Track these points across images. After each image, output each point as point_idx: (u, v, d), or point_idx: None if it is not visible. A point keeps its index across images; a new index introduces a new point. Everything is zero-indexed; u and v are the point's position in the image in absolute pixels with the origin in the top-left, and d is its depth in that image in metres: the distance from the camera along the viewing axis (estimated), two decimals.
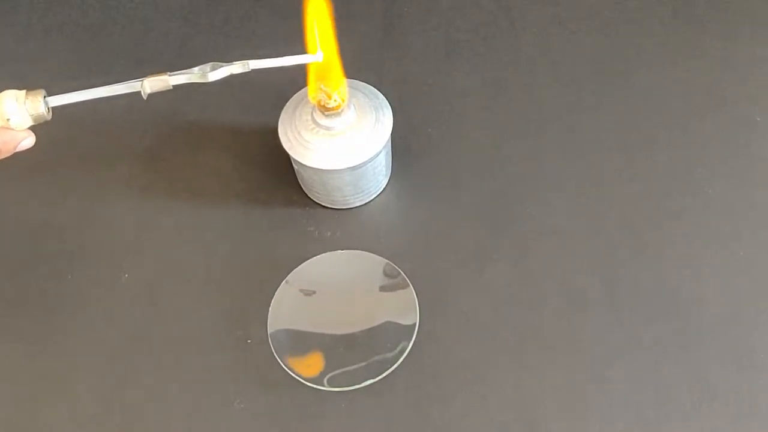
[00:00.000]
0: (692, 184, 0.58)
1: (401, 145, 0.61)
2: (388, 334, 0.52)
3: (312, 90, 0.51)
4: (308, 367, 0.50)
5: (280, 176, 0.59)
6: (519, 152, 0.61)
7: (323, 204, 0.58)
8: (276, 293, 0.53)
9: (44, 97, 0.44)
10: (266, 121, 0.62)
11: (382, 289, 0.54)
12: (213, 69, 0.45)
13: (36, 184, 0.61)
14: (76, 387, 0.51)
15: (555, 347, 0.51)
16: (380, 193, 0.59)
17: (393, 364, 0.50)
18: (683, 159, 0.60)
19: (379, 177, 0.58)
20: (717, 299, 0.53)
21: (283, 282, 0.54)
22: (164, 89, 0.44)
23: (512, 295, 0.53)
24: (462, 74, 0.66)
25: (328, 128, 0.53)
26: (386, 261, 0.55)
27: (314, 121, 0.53)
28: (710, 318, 0.52)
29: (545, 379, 0.50)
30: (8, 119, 0.43)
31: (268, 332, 0.52)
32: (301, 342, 0.51)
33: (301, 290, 0.54)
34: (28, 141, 0.45)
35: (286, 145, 0.54)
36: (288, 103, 0.55)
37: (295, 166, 0.56)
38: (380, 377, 0.50)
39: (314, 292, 0.54)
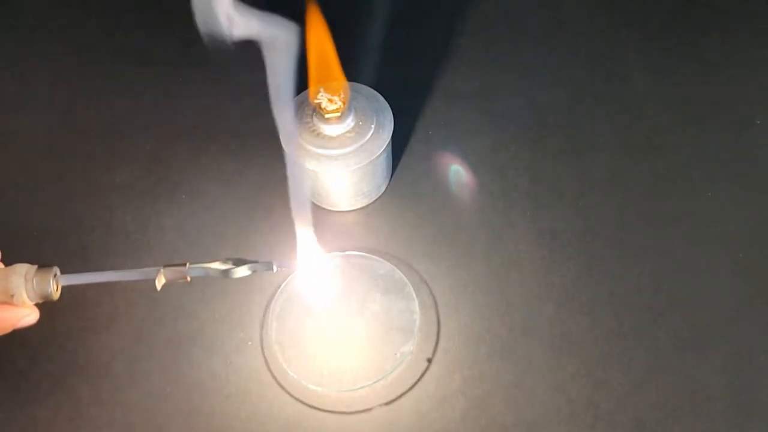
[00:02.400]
0: (692, 187, 0.58)
1: (402, 147, 0.62)
2: (389, 336, 0.52)
3: (312, 93, 0.51)
4: (309, 368, 0.50)
5: (282, 179, 0.59)
6: (518, 155, 0.61)
7: (324, 206, 0.59)
8: (276, 295, 0.54)
9: (55, 275, 0.42)
10: (267, 124, 0.62)
11: (383, 291, 0.54)
12: (235, 264, 0.43)
13: (38, 187, 0.61)
14: (76, 388, 0.51)
15: (554, 349, 0.51)
16: (381, 196, 0.59)
17: (394, 366, 0.50)
18: (683, 161, 0.60)
19: (379, 179, 0.58)
20: (716, 301, 0.53)
21: (284, 284, 0.54)
22: (180, 281, 0.42)
23: (511, 297, 0.53)
24: (462, 77, 0.66)
25: (328, 131, 0.53)
26: (387, 263, 0.55)
27: (315, 124, 0.53)
28: (709, 320, 0.52)
29: (545, 380, 0.50)
30: (12, 295, 0.41)
31: (269, 334, 0.52)
32: (301, 344, 0.52)
33: (302, 293, 0.54)
34: (30, 318, 0.42)
35: (288, 149, 0.54)
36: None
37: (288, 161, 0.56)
38: (381, 379, 0.50)
39: (315, 295, 0.54)
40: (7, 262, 0.46)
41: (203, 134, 0.64)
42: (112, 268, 0.55)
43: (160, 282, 0.42)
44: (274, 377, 0.50)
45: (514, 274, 0.54)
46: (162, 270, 0.41)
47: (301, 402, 0.49)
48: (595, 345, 0.51)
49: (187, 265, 0.42)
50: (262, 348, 0.52)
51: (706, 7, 0.71)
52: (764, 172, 0.59)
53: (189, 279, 0.42)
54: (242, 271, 0.43)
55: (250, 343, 0.52)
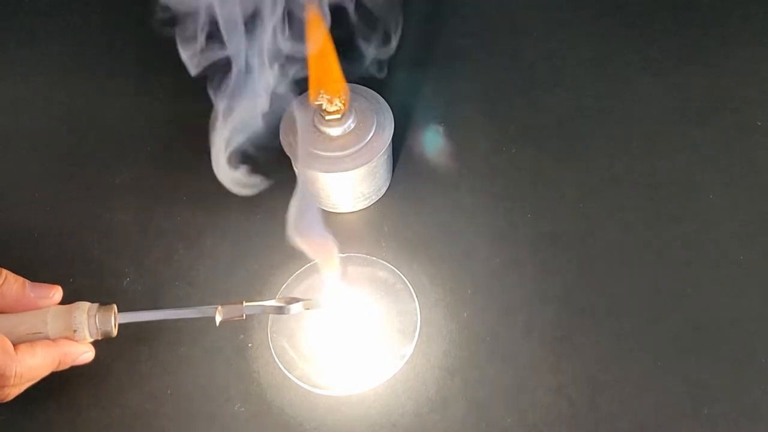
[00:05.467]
0: (693, 189, 0.58)
1: (402, 149, 0.61)
2: (389, 337, 0.52)
3: (313, 94, 0.51)
4: (309, 371, 0.50)
5: (282, 180, 0.59)
6: (519, 157, 0.61)
7: (325, 208, 0.58)
8: (277, 297, 0.53)
9: (114, 313, 0.43)
10: (268, 126, 0.62)
11: (383, 293, 0.54)
12: (288, 303, 0.46)
13: (38, 188, 0.61)
14: (76, 389, 0.51)
15: (555, 351, 0.51)
16: (381, 198, 0.59)
17: (394, 368, 0.50)
18: (684, 163, 0.60)
19: (380, 181, 0.58)
20: (717, 303, 0.52)
21: (284, 286, 0.54)
22: (237, 318, 0.44)
23: (512, 300, 0.53)
24: (463, 79, 0.66)
25: (329, 133, 0.53)
26: (388, 265, 0.55)
27: (315, 126, 0.53)
28: (710, 322, 0.52)
29: (546, 382, 0.50)
30: (75, 330, 0.42)
31: (269, 336, 0.52)
32: (302, 346, 0.51)
33: (302, 294, 0.54)
34: (88, 356, 0.44)
35: (288, 150, 0.54)
36: (289, 108, 0.55)
37: (297, 170, 0.56)
38: (381, 381, 0.50)
39: (315, 296, 0.54)
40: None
41: (204, 135, 0.63)
42: (113, 270, 0.56)
43: (218, 319, 0.44)
44: (275, 379, 0.50)
45: (514, 276, 0.54)
46: (219, 308, 0.44)
47: (302, 404, 0.49)
48: (596, 347, 0.51)
49: (243, 302, 0.44)
50: (263, 350, 0.52)
51: (707, 7, 0.71)
52: (765, 173, 0.59)
53: (244, 316, 0.44)
54: (296, 308, 0.46)
55: (250, 345, 0.52)
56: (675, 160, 0.60)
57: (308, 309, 0.46)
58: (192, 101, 0.65)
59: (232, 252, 0.57)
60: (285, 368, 0.50)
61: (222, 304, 0.44)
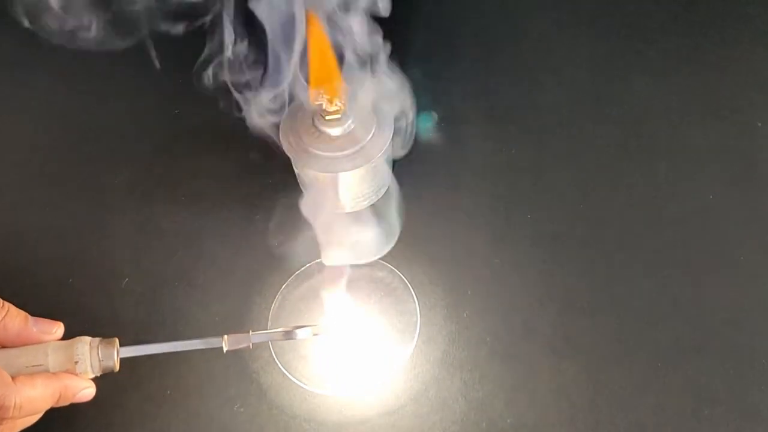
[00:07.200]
0: (693, 190, 0.58)
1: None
2: (389, 338, 0.52)
3: (313, 94, 0.51)
4: (309, 371, 0.50)
5: (282, 181, 0.59)
6: (519, 157, 0.61)
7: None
8: (276, 297, 0.53)
9: (116, 347, 0.43)
10: (268, 126, 0.62)
11: (383, 293, 0.54)
12: (296, 328, 0.45)
13: (37, 189, 0.61)
14: None
15: (555, 352, 0.51)
16: (381, 198, 0.59)
17: (393, 369, 0.50)
18: (684, 164, 0.60)
19: (380, 182, 0.58)
20: (717, 304, 0.52)
21: (284, 286, 0.54)
22: (243, 347, 0.44)
23: (512, 300, 0.53)
24: (463, 79, 0.66)
25: (329, 133, 0.53)
26: (387, 265, 0.55)
27: (315, 126, 0.53)
28: (710, 323, 0.52)
29: (545, 383, 0.50)
30: (76, 362, 0.41)
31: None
32: (301, 347, 0.51)
33: (302, 294, 0.54)
34: (89, 392, 0.43)
35: (288, 150, 0.54)
36: (289, 108, 0.55)
37: (297, 171, 0.56)
38: (381, 381, 0.49)
39: (314, 297, 0.54)
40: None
41: (203, 136, 0.63)
42: (112, 270, 0.56)
43: (225, 348, 0.44)
44: (275, 379, 0.50)
45: (514, 277, 0.54)
46: (225, 338, 0.44)
47: (301, 405, 0.49)
48: (596, 347, 0.51)
49: (250, 332, 0.44)
50: (263, 350, 0.52)
51: (706, 7, 0.71)
52: (765, 174, 0.59)
53: (251, 346, 0.44)
54: (304, 333, 0.45)
55: (250, 345, 0.52)
56: (675, 160, 0.60)
57: (316, 335, 0.46)
58: (192, 101, 0.66)
59: (231, 252, 0.57)
60: (285, 368, 0.50)
61: (228, 334, 0.44)
